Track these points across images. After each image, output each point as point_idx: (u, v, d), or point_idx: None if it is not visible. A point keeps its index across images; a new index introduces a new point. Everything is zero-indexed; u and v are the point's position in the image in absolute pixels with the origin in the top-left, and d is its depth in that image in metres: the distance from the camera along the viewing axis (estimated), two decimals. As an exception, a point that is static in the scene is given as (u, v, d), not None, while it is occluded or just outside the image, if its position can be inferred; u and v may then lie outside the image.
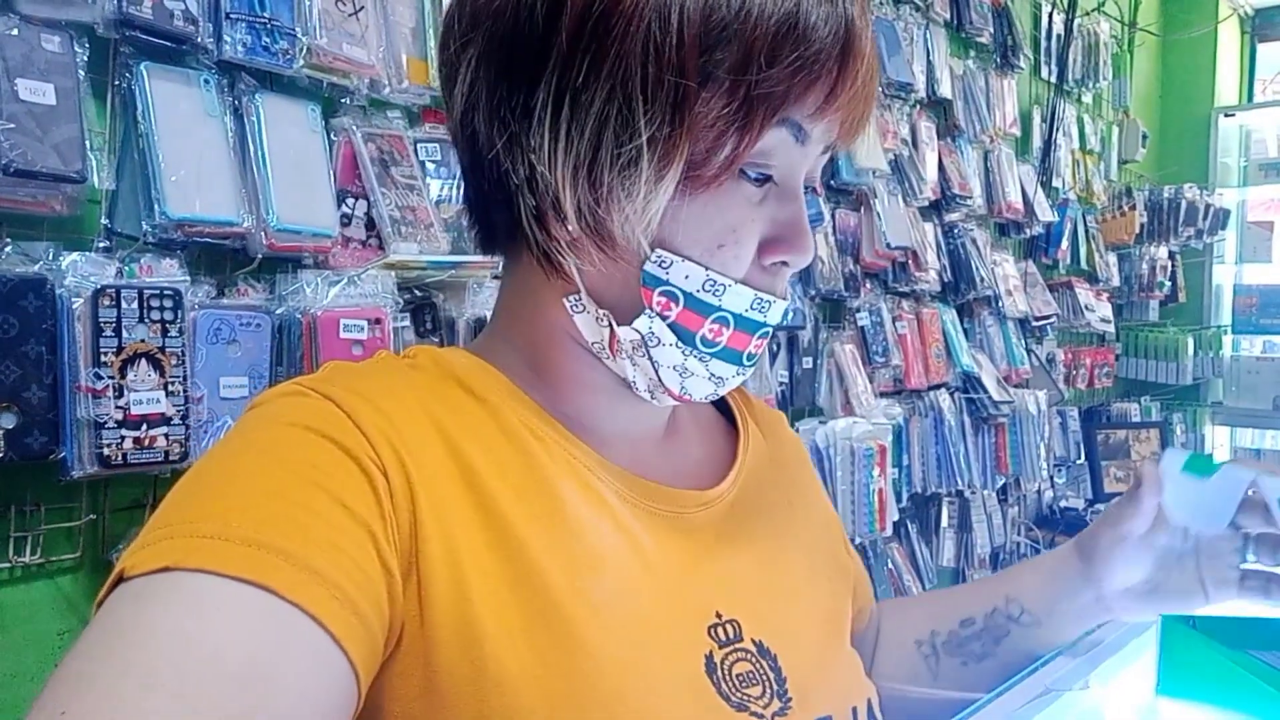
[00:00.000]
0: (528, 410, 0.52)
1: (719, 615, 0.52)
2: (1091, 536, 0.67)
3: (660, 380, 0.50)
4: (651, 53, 0.43)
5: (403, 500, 0.44)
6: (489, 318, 0.59)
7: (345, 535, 0.40)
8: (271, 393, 0.48)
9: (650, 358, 0.49)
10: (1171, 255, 3.59)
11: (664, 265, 0.48)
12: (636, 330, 0.49)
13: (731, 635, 0.52)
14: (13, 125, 0.85)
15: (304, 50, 1.06)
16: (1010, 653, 0.69)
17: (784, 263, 0.51)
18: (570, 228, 0.46)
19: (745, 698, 0.50)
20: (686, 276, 0.48)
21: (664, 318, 0.49)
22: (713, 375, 0.51)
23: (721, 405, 0.68)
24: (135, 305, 0.91)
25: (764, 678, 0.52)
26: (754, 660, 0.52)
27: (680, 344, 0.49)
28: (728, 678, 0.50)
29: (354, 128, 1.13)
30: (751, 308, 0.50)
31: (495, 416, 0.50)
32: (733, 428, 0.66)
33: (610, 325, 0.49)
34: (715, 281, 0.48)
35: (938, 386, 2.26)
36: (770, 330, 0.52)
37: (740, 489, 0.60)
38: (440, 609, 0.43)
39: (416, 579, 0.43)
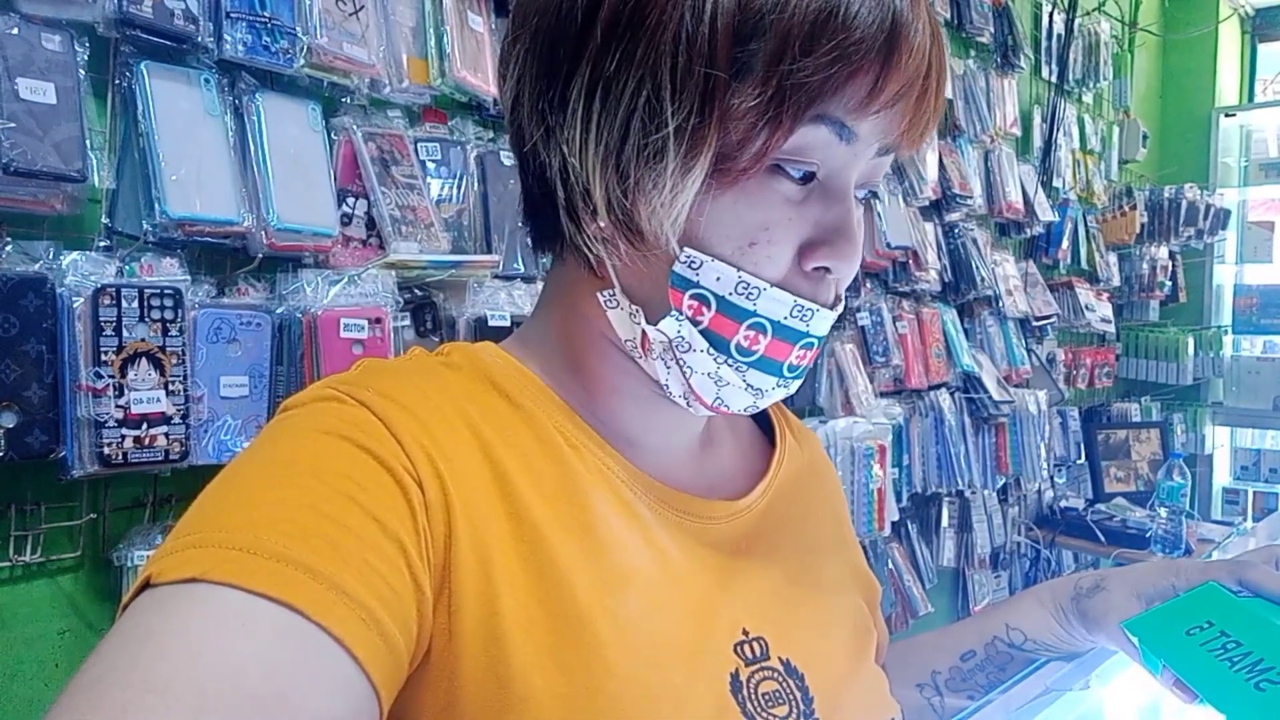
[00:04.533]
0: (562, 415, 0.51)
1: (746, 632, 0.51)
2: (1091, 615, 0.65)
3: (692, 388, 0.49)
4: (683, 41, 0.42)
5: (438, 513, 0.43)
6: (531, 314, 0.58)
7: (376, 552, 0.40)
8: (305, 395, 0.47)
9: (680, 362, 0.48)
10: (1172, 255, 3.59)
11: (694, 266, 0.46)
12: (663, 333, 0.47)
13: (758, 653, 0.51)
14: (13, 124, 0.85)
15: (304, 49, 1.06)
16: (1010, 673, 0.69)
17: (826, 269, 0.48)
18: (601, 221, 0.46)
19: (771, 717, 0.49)
20: (718, 278, 0.46)
21: (696, 323, 0.47)
22: (750, 386, 0.49)
23: (760, 415, 0.67)
24: (135, 304, 0.91)
25: (790, 697, 0.51)
26: (780, 679, 0.51)
27: (713, 351, 0.47)
28: (753, 697, 0.49)
29: (354, 127, 1.13)
30: (791, 315, 0.47)
31: (530, 422, 0.50)
32: (769, 439, 0.65)
33: (642, 323, 0.48)
34: (748, 284, 0.46)
35: (938, 386, 2.26)
36: (816, 342, 0.49)
37: (771, 500, 0.59)
38: (470, 623, 0.43)
39: (448, 593, 0.43)
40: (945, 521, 2.40)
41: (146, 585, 0.37)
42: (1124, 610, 0.63)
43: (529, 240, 0.56)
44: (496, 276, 1.23)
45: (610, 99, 0.44)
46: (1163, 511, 2.47)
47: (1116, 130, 3.43)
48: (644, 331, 0.48)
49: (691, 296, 0.47)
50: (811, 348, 0.50)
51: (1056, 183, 2.90)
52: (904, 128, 0.47)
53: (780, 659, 0.52)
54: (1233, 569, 0.62)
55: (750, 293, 0.46)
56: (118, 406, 0.89)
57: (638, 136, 0.44)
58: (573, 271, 0.52)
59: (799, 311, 0.48)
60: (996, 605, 0.73)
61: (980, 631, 0.71)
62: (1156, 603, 0.62)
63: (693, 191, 0.44)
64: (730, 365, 0.48)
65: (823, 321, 0.49)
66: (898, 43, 0.43)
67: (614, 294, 0.49)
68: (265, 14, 1.02)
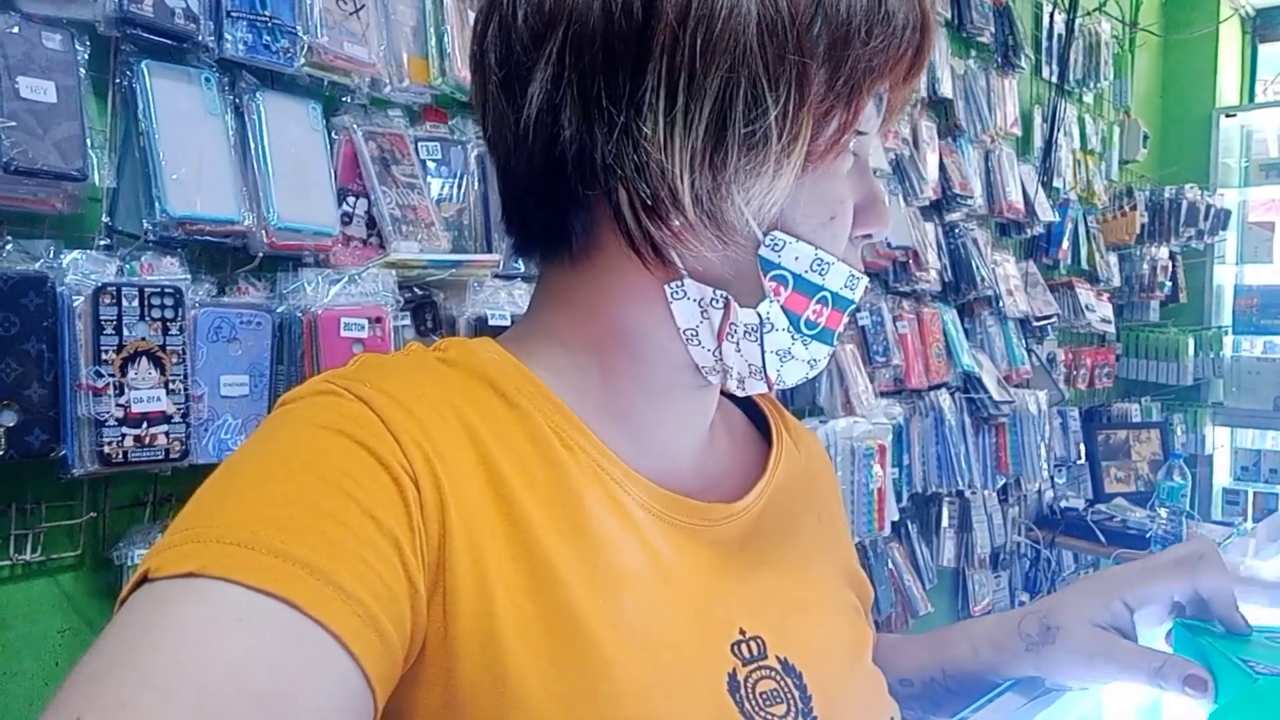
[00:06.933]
0: (559, 415, 0.51)
1: (742, 632, 0.51)
2: (1054, 661, 0.63)
3: (764, 366, 0.50)
4: (766, 30, 0.43)
5: (433, 511, 0.43)
6: (526, 315, 0.57)
7: (372, 548, 0.40)
8: (303, 389, 0.47)
9: (761, 343, 0.50)
10: (1172, 255, 3.59)
11: (776, 248, 0.48)
12: (758, 314, 0.49)
13: (755, 652, 0.51)
14: (14, 123, 0.85)
15: (305, 48, 1.06)
16: (947, 712, 0.69)
17: (867, 235, 0.53)
18: (687, 215, 0.45)
19: (769, 716, 0.49)
20: (796, 258, 0.48)
21: (776, 302, 0.49)
22: (811, 359, 0.52)
23: (756, 415, 0.67)
24: (136, 303, 0.91)
25: (789, 696, 0.51)
26: (778, 678, 0.51)
27: (790, 328, 0.50)
28: (751, 696, 0.49)
29: (355, 126, 1.13)
30: (845, 285, 0.51)
31: (525, 422, 0.49)
32: (765, 439, 0.65)
33: (725, 307, 0.49)
34: (822, 260, 0.49)
35: (938, 386, 2.26)
36: (855, 307, 0.53)
37: (768, 502, 0.59)
38: (464, 622, 0.43)
39: (442, 591, 0.43)
40: (945, 521, 2.40)
41: (144, 580, 0.37)
42: (1090, 645, 0.61)
43: (519, 247, 0.55)
44: (497, 276, 1.23)
45: (695, 90, 0.44)
46: (1163, 512, 2.47)
47: (1117, 130, 3.43)
48: (725, 316, 0.49)
49: (772, 278, 0.49)
50: (850, 314, 0.53)
51: (1057, 183, 2.90)
52: (902, 100, 0.52)
53: (778, 658, 0.52)
54: (1181, 571, 0.61)
55: (822, 268, 0.49)
56: (118, 405, 0.89)
57: (738, 127, 0.44)
58: (613, 270, 0.51)
59: (850, 281, 0.51)
60: (939, 641, 0.71)
61: (918, 666, 0.71)
62: (1115, 628, 0.61)
63: (792, 176, 0.46)
64: (801, 341, 0.51)
65: (863, 287, 0.53)
66: (928, 20, 0.48)
67: (680, 285, 0.49)
68: (266, 13, 1.02)
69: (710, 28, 0.43)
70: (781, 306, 0.49)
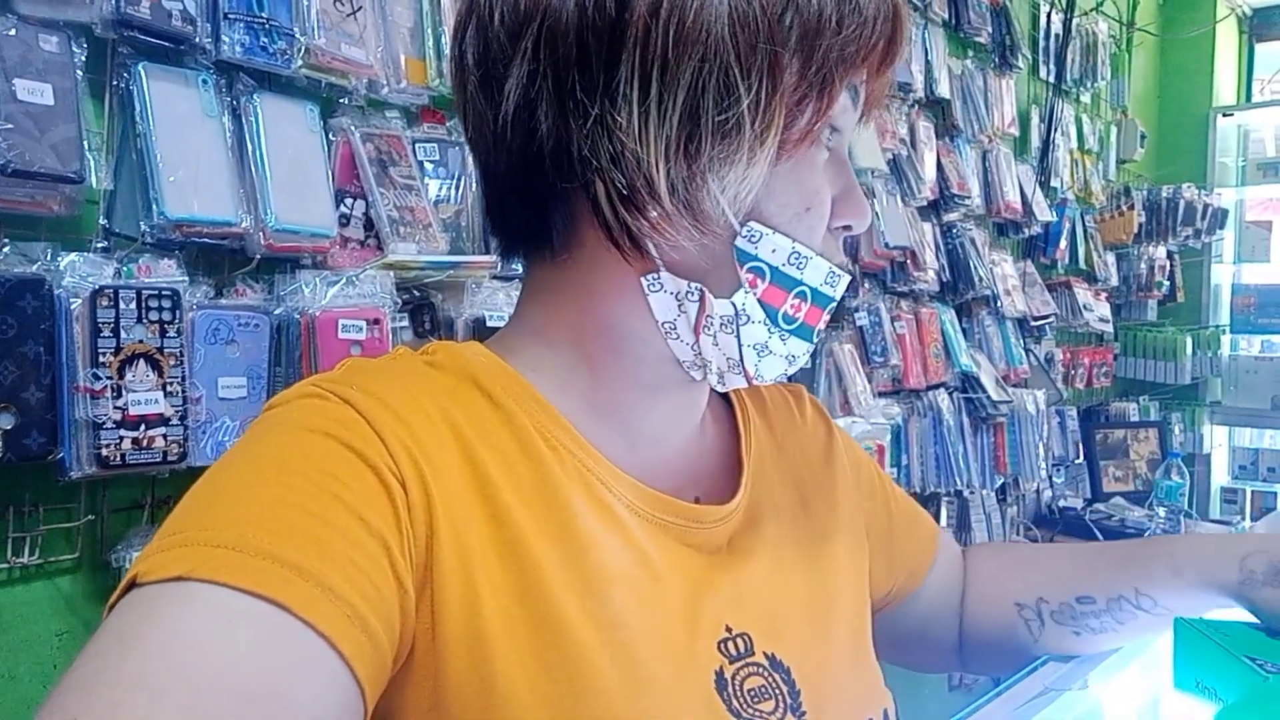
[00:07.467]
0: (544, 414, 0.51)
1: (729, 629, 0.52)
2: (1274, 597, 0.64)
3: (741, 360, 0.50)
4: (737, 21, 0.44)
5: (420, 513, 0.43)
6: (513, 316, 0.57)
7: (360, 550, 0.40)
8: (290, 393, 0.47)
9: (738, 336, 0.50)
10: (1170, 255, 3.59)
11: (753, 239, 0.48)
12: (732, 304, 0.49)
13: (742, 650, 0.51)
14: (10, 125, 0.85)
15: (302, 50, 1.05)
16: (1130, 632, 0.69)
17: (847, 227, 0.53)
18: (664, 205, 0.46)
19: (757, 713, 0.49)
20: (774, 250, 0.49)
21: (751, 294, 0.49)
22: (789, 355, 0.52)
23: (727, 400, 0.67)
24: (133, 305, 0.91)
25: (777, 692, 0.51)
26: (766, 674, 0.51)
27: (766, 321, 0.50)
28: (739, 694, 0.49)
29: (352, 128, 1.13)
30: (825, 281, 0.51)
31: (510, 422, 0.50)
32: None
33: (701, 300, 0.49)
34: (799, 253, 0.49)
35: (936, 386, 2.26)
36: (836, 305, 0.53)
37: (751, 495, 0.59)
38: (452, 623, 0.43)
39: (430, 592, 0.43)
40: (944, 521, 2.40)
41: (133, 585, 0.38)
42: None
43: (504, 247, 0.55)
44: (495, 277, 1.23)
45: (668, 80, 0.44)
46: (1161, 511, 2.47)
47: (1114, 130, 3.43)
48: (701, 308, 0.49)
49: (748, 269, 0.49)
50: (831, 312, 0.53)
51: (1054, 182, 2.90)
52: (878, 95, 0.53)
53: (765, 654, 0.52)
54: None
55: (800, 262, 0.49)
56: (116, 408, 0.89)
57: (711, 116, 0.45)
58: (594, 265, 0.51)
59: (831, 277, 0.51)
60: (1127, 557, 0.71)
61: (1105, 583, 0.71)
62: None
63: (766, 164, 0.46)
64: (778, 335, 0.50)
65: (844, 285, 0.52)
66: (899, 10, 0.49)
67: (657, 277, 0.49)
68: (263, 15, 1.02)
69: (682, 19, 0.44)
70: (758, 299, 0.49)
